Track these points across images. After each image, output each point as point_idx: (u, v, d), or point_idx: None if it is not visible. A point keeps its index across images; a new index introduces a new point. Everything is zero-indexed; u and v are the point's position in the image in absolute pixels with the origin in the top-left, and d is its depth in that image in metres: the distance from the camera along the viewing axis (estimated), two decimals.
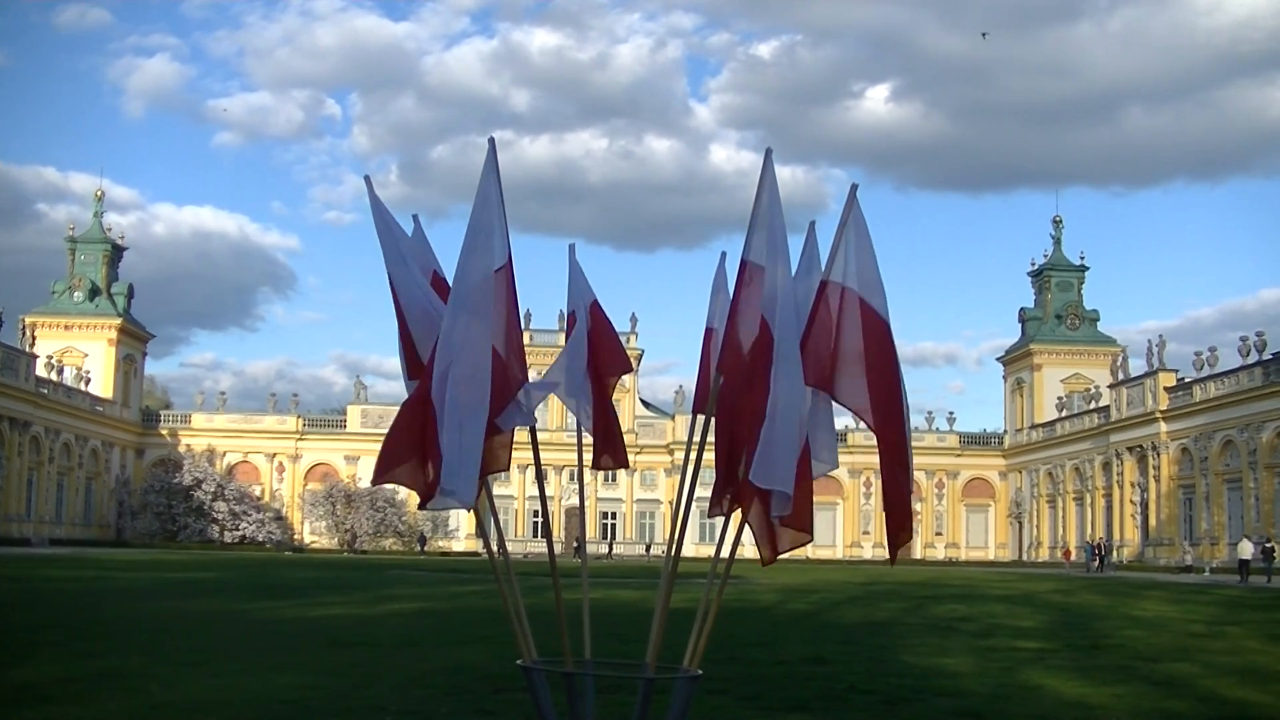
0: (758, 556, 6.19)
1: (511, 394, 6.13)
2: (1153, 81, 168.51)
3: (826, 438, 6.11)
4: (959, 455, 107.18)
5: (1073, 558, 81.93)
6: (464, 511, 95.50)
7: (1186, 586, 44.86)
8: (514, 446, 6.47)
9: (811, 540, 6.20)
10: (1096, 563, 73.25)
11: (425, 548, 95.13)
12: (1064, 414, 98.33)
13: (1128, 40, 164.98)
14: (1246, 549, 56.32)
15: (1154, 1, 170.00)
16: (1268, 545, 57.24)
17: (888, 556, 6.35)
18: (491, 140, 6.09)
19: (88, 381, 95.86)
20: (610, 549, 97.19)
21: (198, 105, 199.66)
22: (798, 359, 5.75)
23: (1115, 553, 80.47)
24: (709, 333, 6.50)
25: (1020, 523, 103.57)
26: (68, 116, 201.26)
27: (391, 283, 6.24)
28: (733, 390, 6.09)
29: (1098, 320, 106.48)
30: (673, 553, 6.33)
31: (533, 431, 6.90)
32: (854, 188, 6.16)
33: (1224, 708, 11.03)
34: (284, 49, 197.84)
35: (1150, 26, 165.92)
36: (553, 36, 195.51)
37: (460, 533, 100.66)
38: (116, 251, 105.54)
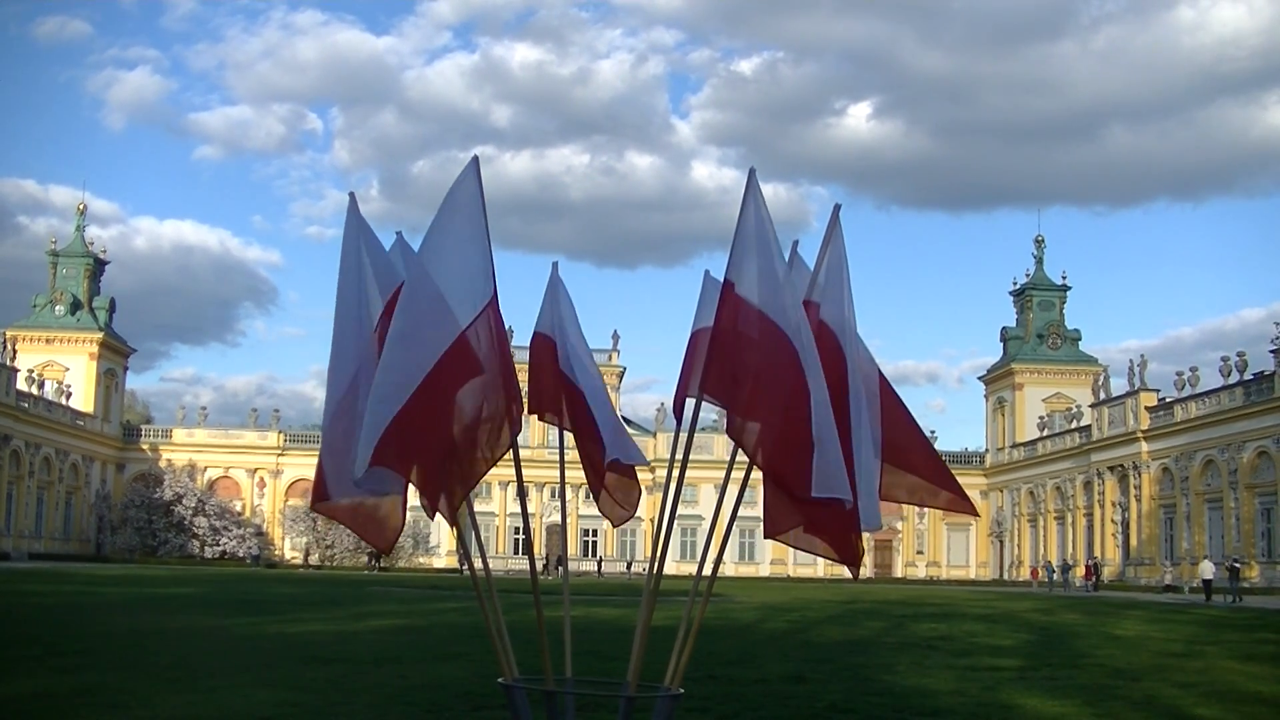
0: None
1: None
2: (1135, 100, 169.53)
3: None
4: None
5: (1039, 576, 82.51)
6: (445, 527, 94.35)
7: (1166, 606, 44.95)
8: (496, 463, 6.45)
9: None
10: (1091, 581, 73.80)
11: (378, 562, 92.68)
12: (1045, 433, 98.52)
13: (1110, 59, 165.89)
14: (1208, 569, 57.21)
15: (1137, 20, 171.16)
16: (1235, 564, 57.66)
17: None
18: (475, 159, 6.10)
19: (68, 395, 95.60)
20: (599, 567, 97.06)
21: (178, 119, 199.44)
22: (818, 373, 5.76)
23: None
24: (696, 335, 6.49)
25: (1001, 542, 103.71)
26: (48, 129, 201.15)
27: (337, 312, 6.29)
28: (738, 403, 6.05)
29: (1079, 340, 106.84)
30: (654, 570, 6.34)
31: (515, 448, 6.91)
32: (837, 208, 6.18)
33: None
34: (265, 63, 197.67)
35: (1133, 45, 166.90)
36: (534, 51, 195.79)
37: (441, 549, 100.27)
38: (98, 265, 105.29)
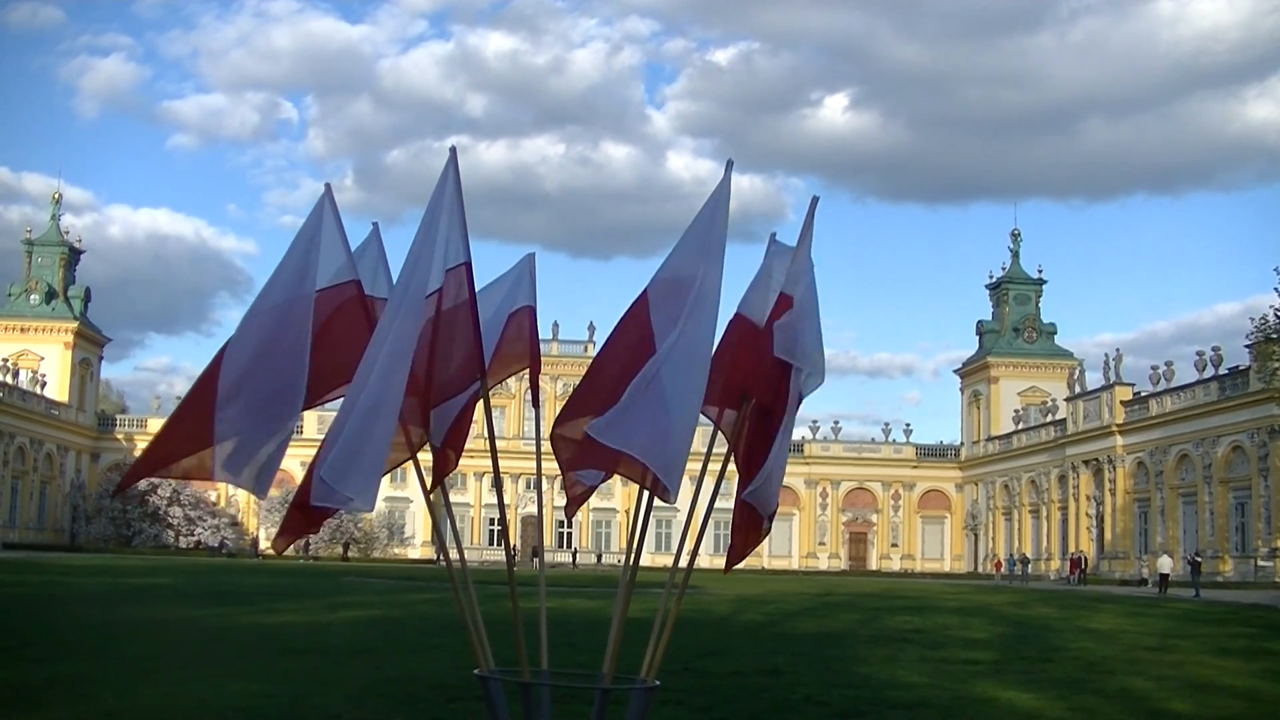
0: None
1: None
2: (1113, 93, 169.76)
3: None
4: (915, 467, 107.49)
5: (1001, 569, 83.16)
6: (420, 518, 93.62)
7: (1140, 600, 45.16)
8: (471, 454, 6.45)
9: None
10: (1076, 575, 74.47)
11: (309, 552, 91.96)
12: (1020, 427, 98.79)
13: (1088, 51, 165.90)
14: (1165, 563, 58.05)
15: (1116, 12, 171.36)
16: (1195, 559, 58.17)
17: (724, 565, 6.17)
18: (453, 150, 6.07)
19: (43, 385, 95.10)
20: (574, 558, 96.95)
21: (152, 106, 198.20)
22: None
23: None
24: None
25: (976, 535, 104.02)
26: (21, 117, 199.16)
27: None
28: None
29: (1055, 333, 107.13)
30: (630, 562, 6.32)
31: (491, 439, 6.88)
32: (814, 200, 6.18)
33: None
34: (238, 51, 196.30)
35: (1111, 38, 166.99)
36: (508, 41, 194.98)
37: (416, 540, 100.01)
38: (73, 254, 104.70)
